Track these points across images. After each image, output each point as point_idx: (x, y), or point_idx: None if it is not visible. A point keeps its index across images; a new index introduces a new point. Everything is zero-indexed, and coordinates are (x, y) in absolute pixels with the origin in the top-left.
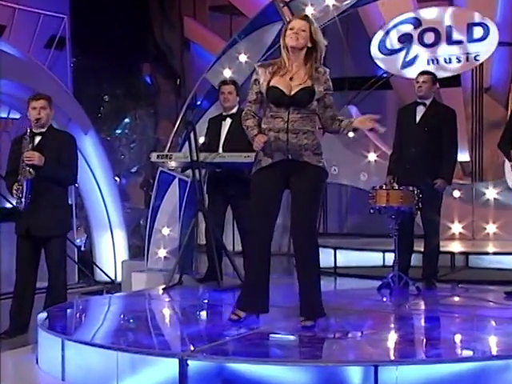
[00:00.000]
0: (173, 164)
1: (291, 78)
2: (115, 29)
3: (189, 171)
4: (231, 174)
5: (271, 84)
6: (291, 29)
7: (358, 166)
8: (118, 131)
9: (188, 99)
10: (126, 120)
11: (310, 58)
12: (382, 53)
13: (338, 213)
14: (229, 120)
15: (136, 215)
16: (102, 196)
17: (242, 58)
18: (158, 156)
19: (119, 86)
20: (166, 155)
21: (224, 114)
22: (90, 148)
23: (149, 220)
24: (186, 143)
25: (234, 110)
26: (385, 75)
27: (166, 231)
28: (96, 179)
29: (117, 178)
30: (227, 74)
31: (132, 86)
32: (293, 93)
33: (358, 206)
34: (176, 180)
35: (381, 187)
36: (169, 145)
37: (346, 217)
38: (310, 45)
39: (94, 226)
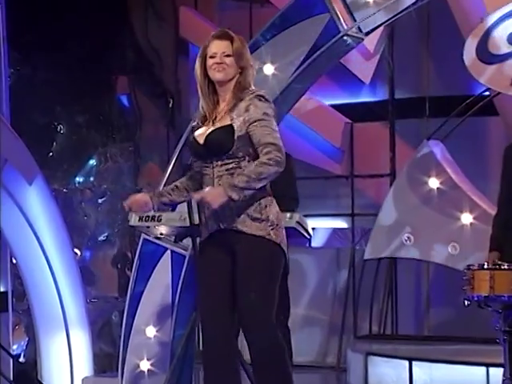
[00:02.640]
0: (163, 230)
1: (213, 121)
2: (76, 25)
3: (187, 240)
4: None
5: (194, 135)
6: (212, 56)
7: (444, 232)
8: (80, 179)
9: (186, 132)
10: (92, 162)
11: (241, 84)
12: (483, 60)
13: (413, 305)
14: None
15: (105, 308)
16: (54, 278)
17: (268, 69)
18: (140, 218)
19: (81, 111)
20: (153, 216)
21: None
22: (35, 205)
23: (125, 315)
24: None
25: None
26: (486, 94)
27: (151, 332)
28: (45, 252)
29: (77, 251)
30: None
31: (101, 111)
32: (203, 139)
33: (444, 295)
34: (168, 253)
35: (481, 266)
36: None
37: (427, 312)
38: (238, 71)
39: (40, 325)
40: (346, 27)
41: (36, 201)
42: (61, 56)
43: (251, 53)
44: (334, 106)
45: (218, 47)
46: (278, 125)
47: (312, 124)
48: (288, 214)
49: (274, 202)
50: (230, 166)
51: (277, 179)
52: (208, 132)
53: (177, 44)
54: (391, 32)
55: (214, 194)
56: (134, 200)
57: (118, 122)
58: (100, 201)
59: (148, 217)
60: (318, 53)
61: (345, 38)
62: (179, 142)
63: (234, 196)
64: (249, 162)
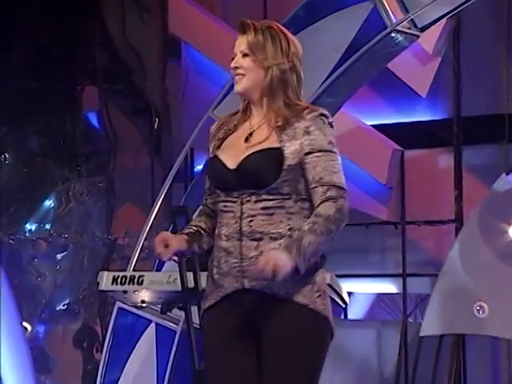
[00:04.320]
0: (145, 296)
1: (248, 137)
2: (26, 16)
3: (178, 310)
4: None
5: (216, 153)
6: (233, 58)
7: None
8: (32, 227)
9: (177, 161)
10: (49, 203)
11: (276, 93)
12: None
13: None
14: None
15: None
16: None
17: None
18: (114, 279)
19: (35, 134)
20: (132, 277)
21: None
22: None
23: None
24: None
25: None
26: None
27: None
28: None
29: (27, 326)
30: None
31: (61, 134)
32: (237, 163)
33: None
34: (151, 328)
35: None
36: (137, 255)
37: None
38: (263, 74)
39: None
40: (395, 20)
41: None
42: (5, 59)
43: None
44: (379, 128)
45: (238, 44)
46: None
47: (348, 152)
48: None
49: (322, 262)
50: (270, 204)
51: None
52: (245, 155)
53: (165, 43)
54: (457, 27)
55: (278, 260)
56: (169, 236)
57: (85, 148)
58: (59, 256)
59: (125, 278)
60: (357, 55)
61: (394, 34)
62: (168, 176)
63: (302, 267)
64: (295, 202)
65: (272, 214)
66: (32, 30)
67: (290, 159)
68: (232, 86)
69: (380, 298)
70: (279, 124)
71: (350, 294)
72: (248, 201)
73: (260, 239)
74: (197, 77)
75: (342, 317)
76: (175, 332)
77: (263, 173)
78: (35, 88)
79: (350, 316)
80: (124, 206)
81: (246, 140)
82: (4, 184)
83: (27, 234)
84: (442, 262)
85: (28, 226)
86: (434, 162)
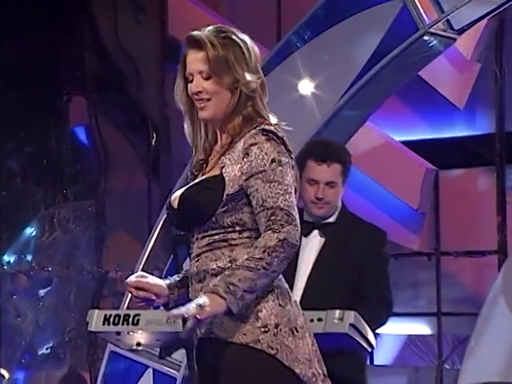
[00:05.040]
0: (142, 338)
1: (205, 169)
2: (6, 16)
3: (180, 353)
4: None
5: (171, 195)
6: (190, 80)
7: None
8: (10, 258)
9: (178, 183)
10: (30, 231)
11: (238, 111)
12: None
13: None
14: (318, 237)
15: None
16: None
17: (306, 87)
18: (105, 318)
19: (14, 152)
20: (126, 316)
21: (310, 220)
22: None
23: None
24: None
25: (334, 217)
26: None
27: None
28: None
29: (4, 373)
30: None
31: (45, 151)
32: (177, 201)
33: None
34: (149, 374)
35: None
36: None
37: None
38: (229, 95)
39: None
40: (428, 21)
41: None
42: None
43: (281, 58)
44: (410, 144)
45: (192, 64)
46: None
47: (374, 172)
48: (337, 313)
49: (275, 290)
50: (213, 238)
51: (358, 265)
52: (184, 189)
53: (164, 47)
54: (499, 29)
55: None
56: (143, 282)
57: (72, 167)
58: (42, 292)
59: (118, 317)
60: (385, 61)
61: (426, 37)
62: (167, 199)
63: (233, 306)
64: (240, 233)
65: (214, 249)
66: (11, 30)
67: (229, 187)
68: None
69: (412, 340)
70: (227, 145)
71: (376, 335)
72: (197, 239)
73: (204, 278)
74: None
75: (368, 362)
76: (176, 379)
77: (200, 206)
78: (14, 98)
79: (377, 361)
80: (116, 234)
81: (204, 172)
82: None
83: (5, 267)
84: (483, 299)
85: (6, 258)
86: (473, 184)
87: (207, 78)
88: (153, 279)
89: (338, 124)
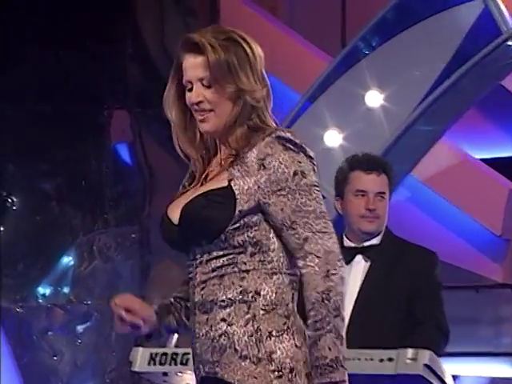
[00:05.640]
0: (190, 380)
1: (204, 180)
2: (36, 22)
3: None
4: None
5: (167, 208)
6: (189, 89)
7: None
8: (45, 291)
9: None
10: (67, 260)
11: (242, 121)
12: None
13: None
14: (362, 262)
15: None
16: None
17: (373, 98)
18: (151, 357)
19: (48, 172)
20: (174, 355)
21: (352, 245)
22: None
23: None
24: None
25: (378, 239)
26: None
27: None
28: None
29: None
30: (335, 139)
31: (83, 172)
32: (178, 214)
33: None
34: None
35: None
36: None
37: None
38: (231, 105)
39: None
40: None
41: None
42: (11, 75)
43: (346, 67)
44: (491, 163)
45: (191, 70)
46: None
47: (452, 194)
48: (410, 352)
49: (291, 328)
50: (221, 261)
51: (408, 289)
52: (186, 201)
53: None
54: None
55: None
56: (134, 303)
57: (113, 189)
58: (80, 328)
59: (165, 356)
60: (464, 69)
61: (511, 42)
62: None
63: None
64: (252, 255)
65: (223, 276)
66: (43, 37)
67: (242, 202)
68: (301, 111)
69: (494, 383)
70: (232, 156)
71: (455, 377)
72: (201, 262)
73: (211, 310)
74: None
75: None
76: None
77: (208, 222)
78: (49, 113)
79: None
80: (162, 264)
81: (202, 184)
82: (10, 235)
83: (40, 300)
84: None
85: (40, 290)
86: None
87: (208, 86)
88: (141, 302)
89: (409, 140)
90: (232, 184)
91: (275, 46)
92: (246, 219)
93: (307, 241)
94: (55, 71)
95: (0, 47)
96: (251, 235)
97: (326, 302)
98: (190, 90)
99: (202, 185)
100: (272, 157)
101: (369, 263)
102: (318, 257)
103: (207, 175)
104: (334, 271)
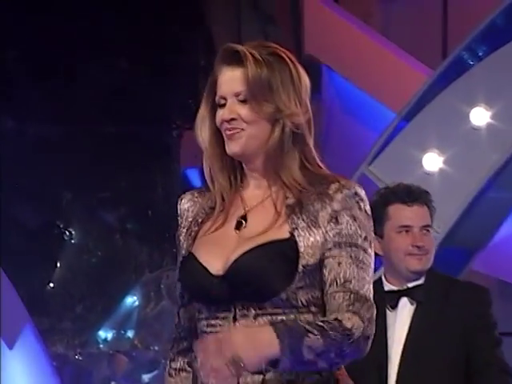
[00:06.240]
0: None
1: (240, 222)
2: (98, 32)
3: None
4: None
5: (191, 249)
6: (220, 104)
7: None
8: (108, 334)
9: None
10: (131, 300)
11: (288, 155)
12: None
13: None
14: (408, 305)
15: None
16: None
17: (479, 116)
18: None
19: (111, 201)
20: None
21: (394, 288)
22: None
23: None
24: None
25: (422, 278)
26: None
27: None
28: None
29: None
30: (434, 163)
31: (149, 201)
32: (226, 266)
33: None
34: None
35: None
36: None
37: None
38: (269, 128)
39: None
40: None
41: (20, 376)
42: (68, 92)
43: (444, 84)
44: None
45: (227, 84)
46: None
47: None
48: None
49: None
50: (279, 319)
51: (460, 331)
52: (238, 254)
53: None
54: None
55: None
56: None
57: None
58: (146, 377)
59: None
60: None
61: None
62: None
63: (284, 356)
64: (315, 315)
65: None
66: (106, 50)
67: (307, 256)
68: (396, 131)
69: None
70: (290, 202)
71: None
72: (244, 316)
73: (266, 370)
74: (343, 116)
75: None
76: None
77: (267, 279)
78: (110, 134)
79: None
80: None
81: (238, 226)
82: (68, 273)
83: (101, 346)
84: None
85: (102, 334)
86: None
87: (244, 102)
88: None
89: None
90: (295, 234)
91: (365, 56)
92: (309, 278)
93: (358, 301)
94: (117, 87)
95: (57, 62)
96: (315, 295)
97: (343, 329)
98: (223, 105)
99: (238, 226)
100: (347, 211)
101: (415, 305)
102: (360, 315)
103: (245, 215)
104: (364, 335)
